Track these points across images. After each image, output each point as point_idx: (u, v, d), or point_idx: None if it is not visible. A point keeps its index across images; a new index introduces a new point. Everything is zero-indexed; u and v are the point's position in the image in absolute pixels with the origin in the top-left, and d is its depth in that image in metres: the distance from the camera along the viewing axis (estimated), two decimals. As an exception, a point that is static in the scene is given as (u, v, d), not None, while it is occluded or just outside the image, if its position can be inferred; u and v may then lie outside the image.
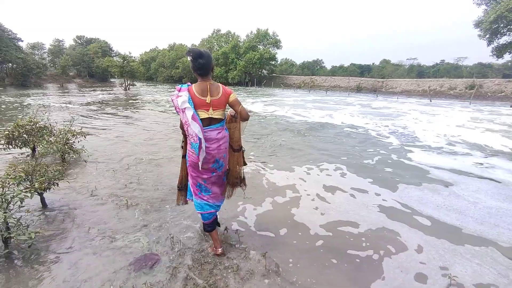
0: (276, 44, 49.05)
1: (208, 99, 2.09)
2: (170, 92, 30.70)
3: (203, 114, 2.11)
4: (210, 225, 2.42)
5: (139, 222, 3.01)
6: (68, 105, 15.31)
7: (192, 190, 2.40)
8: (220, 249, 2.45)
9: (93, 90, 29.90)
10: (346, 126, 10.11)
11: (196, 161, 2.18)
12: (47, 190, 3.22)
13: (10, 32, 34.30)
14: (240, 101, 2.25)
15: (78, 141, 5.21)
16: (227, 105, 2.23)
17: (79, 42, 58.55)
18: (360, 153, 6.23)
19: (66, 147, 4.91)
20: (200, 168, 2.21)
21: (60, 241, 2.63)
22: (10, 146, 5.26)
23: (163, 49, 69.84)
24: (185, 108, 2.01)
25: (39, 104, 15.48)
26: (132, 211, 3.25)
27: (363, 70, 69.33)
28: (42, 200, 3.26)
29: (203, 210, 2.36)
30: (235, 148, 2.41)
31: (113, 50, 59.31)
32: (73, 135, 5.13)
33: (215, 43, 55.67)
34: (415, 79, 35.97)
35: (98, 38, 59.70)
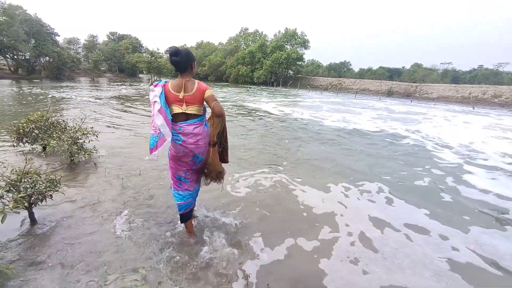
0: (304, 44, 47.79)
1: (181, 95, 2.18)
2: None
3: (177, 109, 2.22)
4: (187, 214, 2.57)
5: (141, 254, 2.39)
6: (90, 99, 15.36)
7: (172, 182, 2.52)
8: (193, 239, 2.64)
9: (121, 85, 30.47)
10: (385, 134, 9.08)
11: (175, 154, 2.33)
12: (36, 205, 2.69)
13: (48, 27, 35.86)
14: (216, 97, 2.23)
15: (89, 141, 4.74)
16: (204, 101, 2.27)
17: (112, 38, 60.55)
18: (405, 170, 5.30)
19: (75, 147, 4.44)
20: (179, 161, 2.37)
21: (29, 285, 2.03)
22: (21, 143, 4.96)
23: (190, 46, 70.64)
24: (154, 102, 2.14)
25: (53, 97, 15.64)
26: (135, 235, 2.64)
27: (392, 74, 66.51)
28: (31, 214, 2.74)
29: (183, 200, 2.49)
30: (211, 143, 2.42)
31: (143, 47, 60.84)
32: (84, 133, 4.66)
33: (242, 42, 55.27)
34: (453, 85, 33.44)
35: (129, 35, 61.48)
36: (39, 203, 2.73)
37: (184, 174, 2.43)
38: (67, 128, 4.95)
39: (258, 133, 8.19)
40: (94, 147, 4.80)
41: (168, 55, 2.21)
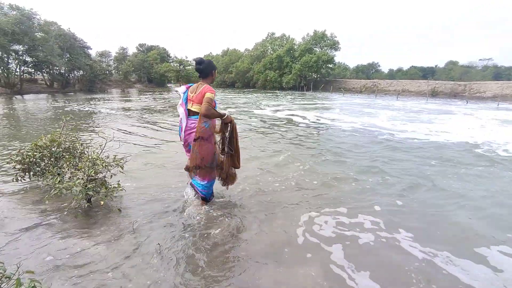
0: (334, 45, 45.64)
1: (192, 95, 2.76)
2: (226, 95, 29.70)
3: (189, 106, 2.82)
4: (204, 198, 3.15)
5: None
6: (117, 111, 14.53)
7: None
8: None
9: (151, 94, 30.16)
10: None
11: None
12: None
13: (81, 41, 36.80)
14: (209, 99, 2.53)
15: (112, 175, 3.37)
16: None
17: (141, 49, 61.91)
18: None
19: (92, 184, 3.07)
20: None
21: None
22: (25, 177, 3.70)
23: (216, 54, 70.77)
24: (181, 98, 2.89)
25: (65, 112, 14.98)
26: None
27: (425, 73, 62.62)
28: None
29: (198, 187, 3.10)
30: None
31: (171, 56, 61.66)
32: (104, 165, 3.29)
33: (269, 47, 54.12)
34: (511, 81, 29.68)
35: (158, 46, 62.57)
36: None
37: None
38: (83, 156, 3.61)
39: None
40: (119, 183, 3.41)
41: (195, 63, 2.77)
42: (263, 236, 2.74)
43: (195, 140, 2.67)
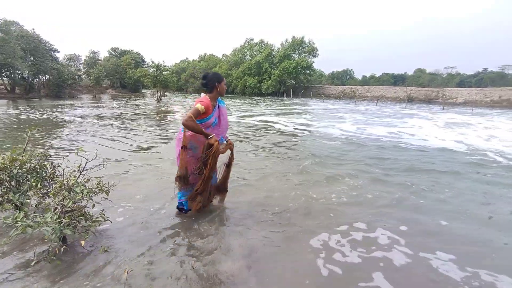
0: (313, 52, 46.11)
1: None
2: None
3: None
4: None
5: None
6: (93, 120, 13.23)
7: None
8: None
9: (126, 101, 28.49)
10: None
11: None
12: None
13: (47, 43, 34.28)
14: (194, 110, 2.50)
15: (93, 205, 2.51)
16: None
17: (114, 53, 59.34)
18: None
19: (67, 219, 2.21)
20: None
21: None
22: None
23: (193, 60, 69.40)
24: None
25: (33, 126, 13.58)
26: None
27: (396, 80, 65.53)
28: None
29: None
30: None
31: (145, 61, 59.52)
32: (86, 193, 2.42)
33: (247, 53, 53.79)
34: (480, 88, 31.34)
35: (131, 50, 60.32)
36: None
37: None
38: (57, 180, 2.70)
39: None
40: (103, 213, 2.55)
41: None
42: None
43: (182, 148, 2.68)
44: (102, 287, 1.93)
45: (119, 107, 20.72)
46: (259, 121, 13.02)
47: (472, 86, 40.56)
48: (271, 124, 11.77)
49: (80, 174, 2.67)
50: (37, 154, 3.14)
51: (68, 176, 2.57)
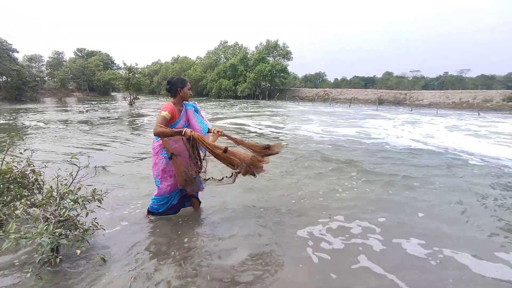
0: (287, 55, 46.87)
1: None
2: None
3: None
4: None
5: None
6: (63, 124, 12.47)
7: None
8: None
9: (97, 104, 27.11)
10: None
11: None
12: None
13: (4, 43, 31.79)
14: (160, 118, 2.56)
15: (87, 213, 2.31)
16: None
17: (80, 54, 56.36)
18: None
19: (60, 229, 2.02)
20: None
21: None
22: None
23: (165, 62, 67.80)
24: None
25: (11, 133, 12.66)
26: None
27: (366, 83, 68.15)
28: None
29: None
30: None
31: (115, 63, 57.19)
32: (80, 201, 2.23)
33: (222, 55, 53.50)
34: (443, 91, 33.53)
35: (99, 51, 57.65)
36: None
37: None
38: (47, 190, 2.46)
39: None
40: (95, 220, 2.36)
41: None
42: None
43: (170, 158, 2.65)
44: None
45: (87, 111, 19.66)
46: (231, 123, 13.05)
47: (435, 89, 43.24)
48: (244, 127, 11.82)
49: (72, 183, 2.47)
50: (18, 162, 2.85)
51: (60, 184, 2.37)
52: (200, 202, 3.20)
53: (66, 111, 19.71)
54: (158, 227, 2.83)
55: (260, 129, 11.29)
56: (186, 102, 2.89)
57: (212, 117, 15.82)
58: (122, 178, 4.36)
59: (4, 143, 2.97)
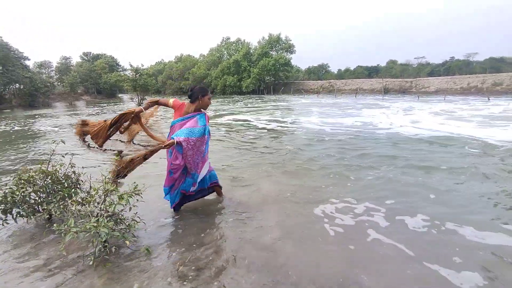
0: (290, 49, 46.78)
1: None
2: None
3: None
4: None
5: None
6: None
7: None
8: None
9: (106, 107, 27.76)
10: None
11: None
12: None
13: (16, 51, 32.67)
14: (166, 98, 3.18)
15: (130, 208, 2.69)
16: None
17: (86, 58, 57.39)
18: None
19: (111, 223, 2.41)
20: None
21: None
22: (7, 219, 2.84)
23: (169, 61, 68.20)
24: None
25: (55, 141, 13.17)
26: None
27: (370, 72, 67.08)
28: None
29: None
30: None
31: (120, 65, 57.97)
32: (127, 197, 2.61)
33: (224, 52, 53.64)
34: (450, 77, 33.20)
35: (104, 54, 58.55)
36: None
37: None
38: (92, 188, 2.86)
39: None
40: (136, 215, 2.72)
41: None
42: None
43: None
44: (162, 279, 2.16)
45: (97, 113, 20.24)
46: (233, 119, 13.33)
47: (441, 75, 42.51)
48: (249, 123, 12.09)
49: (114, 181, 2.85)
50: (61, 164, 3.26)
51: (105, 183, 2.75)
52: (221, 187, 3.51)
53: (77, 114, 20.31)
54: (191, 219, 3.16)
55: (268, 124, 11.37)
56: (203, 111, 3.08)
57: (214, 114, 16.11)
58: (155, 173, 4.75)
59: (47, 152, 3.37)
